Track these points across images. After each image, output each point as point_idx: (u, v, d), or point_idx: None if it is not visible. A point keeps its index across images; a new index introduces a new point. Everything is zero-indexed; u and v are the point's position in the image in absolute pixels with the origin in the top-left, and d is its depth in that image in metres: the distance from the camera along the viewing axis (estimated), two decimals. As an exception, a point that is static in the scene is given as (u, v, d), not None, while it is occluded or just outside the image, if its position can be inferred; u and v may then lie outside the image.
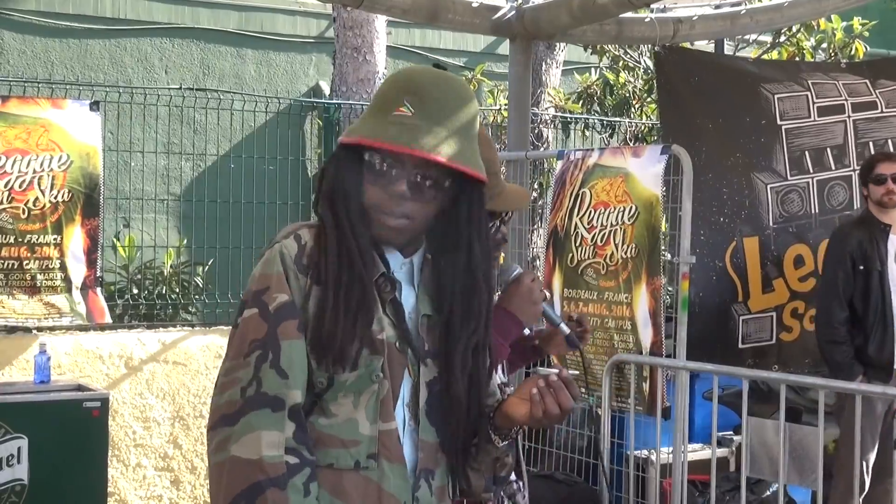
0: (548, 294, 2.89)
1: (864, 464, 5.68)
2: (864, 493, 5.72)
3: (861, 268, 5.90)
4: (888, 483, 5.64)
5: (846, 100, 6.78)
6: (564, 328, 2.89)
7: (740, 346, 6.41)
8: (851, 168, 6.76)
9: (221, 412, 2.14)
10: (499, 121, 9.88)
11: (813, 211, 6.64)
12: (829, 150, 6.70)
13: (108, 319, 6.52)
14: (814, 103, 6.72)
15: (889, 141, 6.87)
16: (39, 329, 6.41)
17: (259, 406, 2.12)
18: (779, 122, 6.64)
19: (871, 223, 6.00)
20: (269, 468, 2.09)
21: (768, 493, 5.92)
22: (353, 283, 2.19)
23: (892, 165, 5.98)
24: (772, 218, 6.60)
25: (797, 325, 6.51)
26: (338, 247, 2.20)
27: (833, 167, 6.74)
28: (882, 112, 6.89)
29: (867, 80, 6.89)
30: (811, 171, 6.69)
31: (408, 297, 2.30)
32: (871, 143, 6.86)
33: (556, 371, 2.26)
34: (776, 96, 6.63)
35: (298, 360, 2.16)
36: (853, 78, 6.88)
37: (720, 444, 6.01)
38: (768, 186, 6.59)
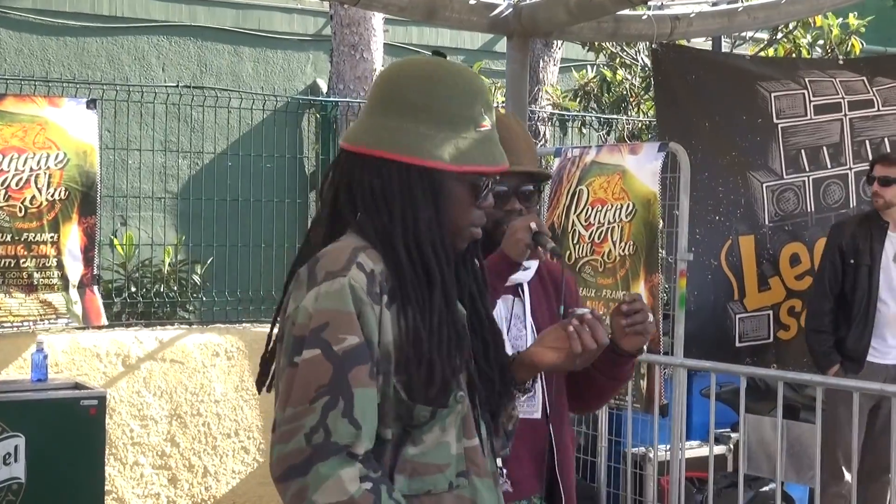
0: (534, 225, 2.80)
1: (841, 455, 5.71)
2: (845, 485, 5.70)
3: (851, 262, 5.95)
4: (883, 480, 5.62)
5: (843, 98, 6.78)
6: (550, 245, 2.81)
7: (737, 344, 6.42)
8: (847, 167, 6.76)
9: (289, 462, 2.01)
10: (496, 118, 9.85)
11: (809, 209, 6.64)
12: (825, 148, 6.70)
13: (104, 321, 6.51)
14: (810, 101, 6.72)
15: (885, 139, 6.87)
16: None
17: (328, 455, 1.99)
18: (775, 120, 6.64)
19: (873, 219, 6.06)
20: (362, 502, 2.00)
21: (765, 489, 5.92)
22: (459, 340, 2.16)
23: (885, 168, 6.01)
24: (767, 216, 6.60)
25: (794, 324, 6.51)
26: (440, 290, 2.14)
27: (829, 166, 6.74)
28: (879, 110, 6.89)
29: (864, 78, 6.89)
30: (807, 169, 6.70)
31: None
32: (867, 142, 6.86)
33: (588, 310, 2.41)
34: (773, 94, 6.64)
35: (370, 409, 2.05)
36: (850, 75, 6.88)
37: (718, 441, 6.02)
38: (764, 185, 6.59)
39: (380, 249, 2.13)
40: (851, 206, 6.71)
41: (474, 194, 2.20)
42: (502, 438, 2.42)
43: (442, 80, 2.17)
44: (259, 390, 2.29)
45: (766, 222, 6.60)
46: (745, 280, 6.49)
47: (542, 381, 2.95)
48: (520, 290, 3.00)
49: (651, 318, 2.76)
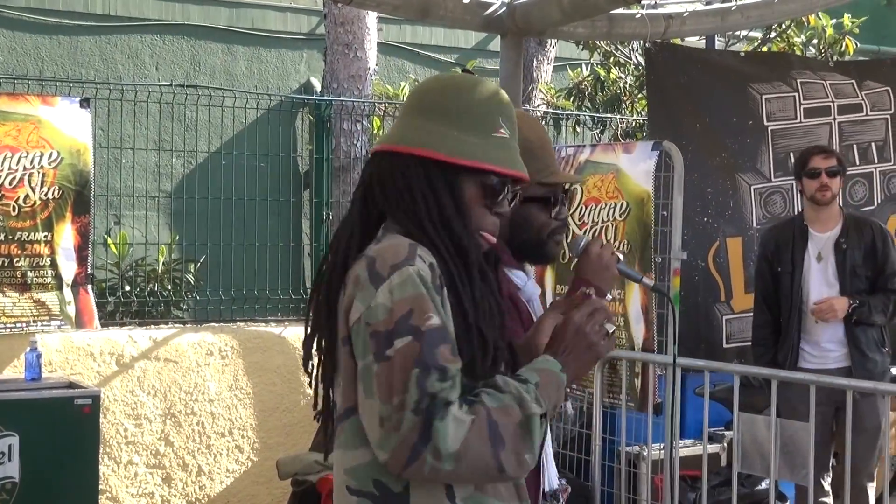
0: (620, 256, 2.88)
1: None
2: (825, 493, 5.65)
3: (778, 269, 5.76)
4: (863, 479, 5.53)
5: (832, 101, 6.81)
6: (647, 281, 2.89)
7: (724, 345, 6.43)
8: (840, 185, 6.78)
9: (410, 442, 2.08)
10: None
11: (796, 212, 6.65)
12: None
13: (96, 324, 6.50)
14: (801, 104, 6.74)
15: (872, 144, 6.90)
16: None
17: (438, 412, 2.08)
18: (765, 122, 6.66)
19: (795, 223, 5.86)
20: (480, 422, 2.11)
21: (759, 487, 5.93)
22: (499, 311, 2.29)
23: (828, 159, 5.73)
24: (755, 219, 6.63)
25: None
26: (481, 277, 2.26)
27: None
28: (867, 115, 6.92)
29: (853, 81, 6.92)
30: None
31: None
32: (854, 146, 6.89)
33: (591, 290, 2.62)
34: (764, 97, 6.65)
35: (459, 379, 2.14)
36: (841, 78, 6.91)
37: (712, 439, 6.02)
38: (752, 187, 6.62)
39: (417, 237, 2.23)
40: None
41: (486, 196, 2.32)
42: None
43: (465, 89, 2.35)
44: (306, 370, 2.38)
45: (754, 224, 6.62)
46: (732, 281, 6.51)
47: None
48: (544, 297, 3.04)
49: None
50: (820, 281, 5.67)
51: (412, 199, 2.27)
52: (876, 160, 6.97)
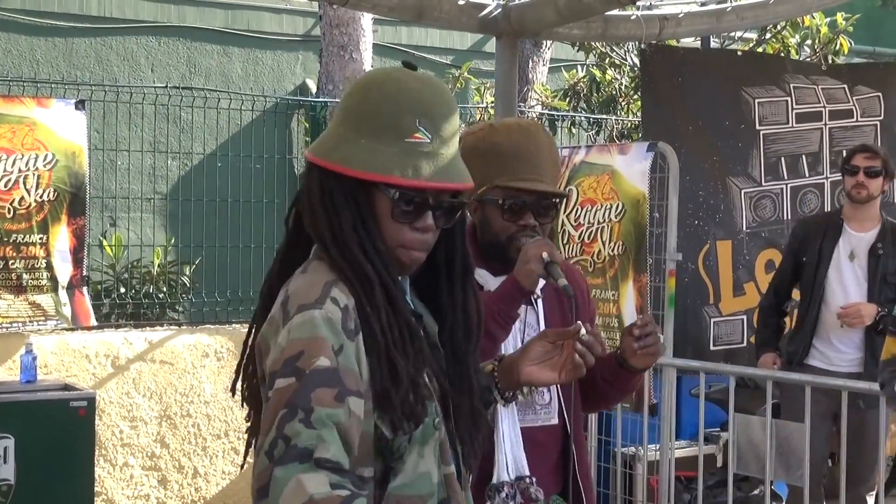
0: (546, 256, 2.83)
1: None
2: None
3: (804, 259, 5.68)
4: (861, 489, 5.50)
5: (824, 107, 6.82)
6: (562, 281, 2.84)
7: (712, 347, 6.44)
8: (824, 176, 6.79)
9: (257, 486, 1.88)
10: (485, 119, 9.89)
11: (785, 217, 6.67)
12: (804, 157, 6.72)
13: (93, 322, 6.50)
14: (793, 109, 6.75)
15: None
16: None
17: (287, 461, 1.86)
18: (757, 126, 6.67)
19: (831, 217, 5.81)
20: (323, 502, 1.84)
21: (756, 492, 5.94)
22: (412, 338, 2.07)
23: (869, 159, 5.66)
24: (745, 223, 6.64)
25: None
26: (387, 302, 2.05)
27: (807, 174, 6.76)
28: (857, 121, 6.94)
29: (845, 86, 6.93)
30: (786, 177, 6.72)
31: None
32: (844, 152, 6.90)
33: (586, 328, 2.43)
34: (756, 101, 6.67)
35: (331, 427, 1.91)
36: (833, 82, 6.92)
37: (707, 440, 6.03)
38: (742, 191, 6.63)
39: (325, 256, 2.09)
40: None
41: (393, 209, 2.08)
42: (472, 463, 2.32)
43: (374, 88, 2.11)
44: (232, 394, 2.25)
45: (744, 228, 6.63)
46: (721, 284, 6.51)
47: (557, 390, 2.99)
48: (533, 299, 3.02)
49: (661, 338, 2.89)
50: (850, 280, 5.58)
51: (316, 218, 2.10)
52: None
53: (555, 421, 2.99)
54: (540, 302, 3.05)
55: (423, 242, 2.13)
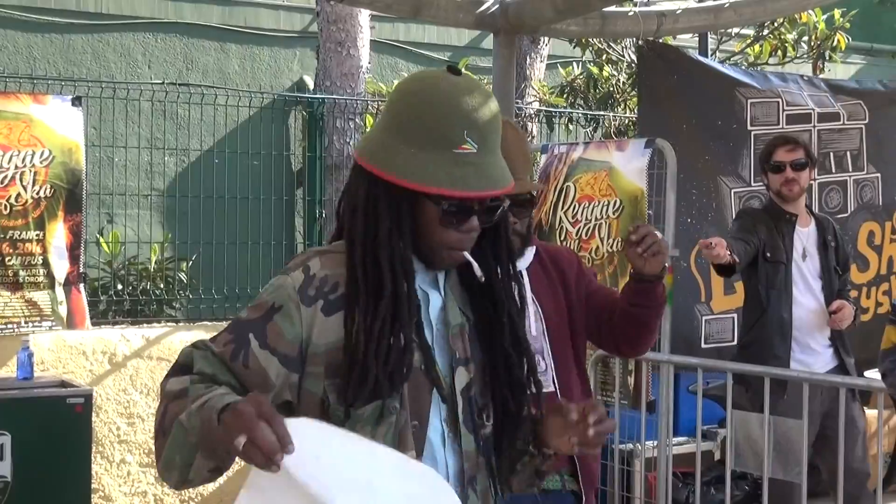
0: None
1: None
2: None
3: (767, 255, 5.34)
4: (868, 485, 5.46)
5: (813, 109, 6.83)
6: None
7: (703, 345, 6.44)
8: (811, 177, 6.81)
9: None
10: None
11: None
12: None
13: (88, 325, 6.49)
14: (783, 111, 6.75)
15: (847, 153, 6.93)
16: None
17: (169, 375, 2.15)
18: (749, 127, 6.67)
19: (777, 213, 5.45)
20: (170, 387, 2.11)
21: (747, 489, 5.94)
22: (397, 340, 2.15)
23: (793, 152, 5.39)
24: None
25: None
26: (388, 300, 2.16)
27: None
28: (844, 124, 6.96)
29: (827, 94, 6.96)
30: None
31: (434, 304, 2.29)
32: (831, 154, 6.93)
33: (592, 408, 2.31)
34: (749, 101, 6.67)
35: (200, 354, 2.14)
36: (813, 90, 6.95)
37: (705, 437, 6.03)
38: (732, 191, 6.63)
39: (347, 254, 2.21)
40: None
41: (442, 215, 2.18)
42: (530, 476, 2.40)
43: (424, 97, 2.18)
44: None
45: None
46: (712, 282, 6.52)
47: (550, 356, 3.17)
48: (519, 276, 3.08)
49: (661, 235, 2.98)
50: (809, 277, 5.41)
51: (355, 220, 2.21)
52: (850, 169, 7.02)
53: (550, 388, 3.14)
54: (526, 277, 3.19)
55: (469, 241, 2.24)
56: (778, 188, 5.40)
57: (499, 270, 2.33)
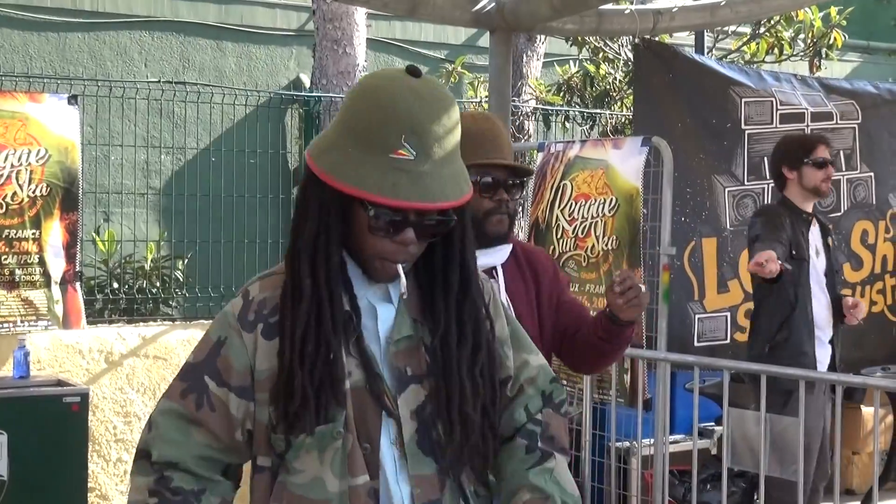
0: None
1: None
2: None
3: (794, 253, 5.34)
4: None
5: (806, 109, 6.83)
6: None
7: (696, 343, 6.45)
8: None
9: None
10: (479, 113, 9.85)
11: None
12: None
13: (84, 325, 6.48)
14: (777, 110, 6.76)
15: (840, 152, 6.94)
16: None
17: (135, 460, 2.19)
18: (743, 126, 6.67)
19: (796, 211, 5.47)
20: None
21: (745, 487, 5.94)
22: (319, 346, 2.07)
23: (829, 151, 5.54)
24: (728, 221, 6.64)
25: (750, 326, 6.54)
26: (308, 304, 2.08)
27: None
28: (837, 123, 6.96)
29: (820, 93, 6.96)
30: (767, 177, 6.72)
31: (384, 317, 2.18)
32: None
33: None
34: (743, 100, 6.67)
35: (168, 421, 2.14)
36: (807, 89, 6.95)
37: (702, 435, 6.03)
38: (726, 190, 6.63)
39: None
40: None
41: (370, 222, 2.07)
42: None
43: (370, 96, 2.07)
44: None
45: (728, 226, 6.63)
46: (706, 281, 6.52)
47: None
48: (494, 272, 3.21)
49: (643, 288, 3.08)
50: (821, 275, 5.46)
51: (294, 218, 2.15)
52: (843, 168, 7.01)
53: None
54: (501, 274, 3.25)
55: (404, 254, 2.11)
56: (818, 184, 5.45)
57: (444, 289, 2.18)
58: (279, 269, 2.18)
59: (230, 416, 2.11)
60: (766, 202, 6.59)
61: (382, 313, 2.17)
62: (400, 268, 2.13)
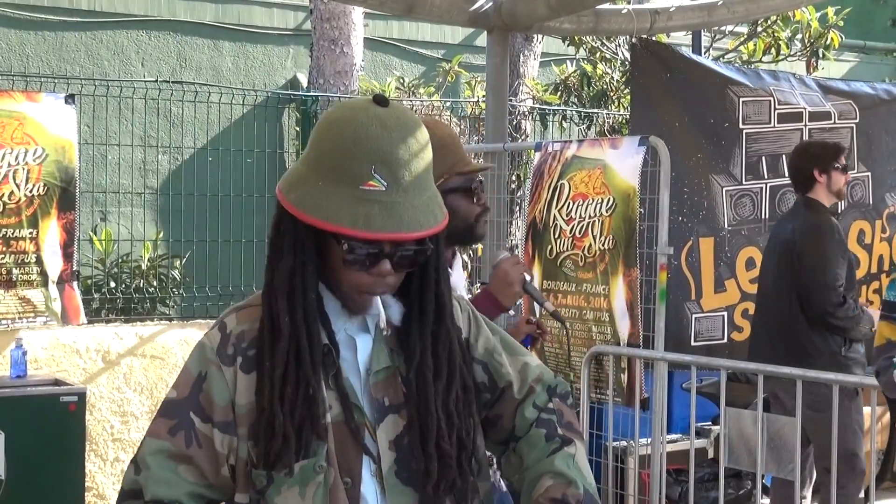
0: (528, 276, 3.24)
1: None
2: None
3: (849, 258, 5.59)
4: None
5: (804, 108, 6.83)
6: (548, 305, 3.20)
7: (692, 343, 6.45)
8: None
9: None
10: (476, 113, 9.88)
11: (763, 216, 6.67)
12: (784, 157, 6.72)
13: (83, 320, 6.48)
14: (775, 109, 6.76)
15: None
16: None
17: (122, 500, 2.11)
18: (741, 125, 6.67)
19: (829, 214, 5.67)
20: None
21: (744, 490, 5.95)
22: (299, 385, 2.04)
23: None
24: (726, 220, 6.65)
25: (747, 326, 6.52)
26: (287, 342, 2.05)
27: (786, 174, 6.78)
28: (835, 123, 6.97)
29: (818, 93, 6.96)
30: (765, 176, 6.72)
31: (363, 349, 2.15)
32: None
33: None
34: (741, 99, 6.67)
35: (158, 460, 2.08)
36: (804, 89, 6.95)
37: (699, 434, 6.03)
38: (724, 189, 6.64)
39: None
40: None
41: (346, 256, 2.04)
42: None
43: (336, 128, 2.04)
44: None
45: (725, 226, 6.64)
46: (703, 281, 6.53)
47: None
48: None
49: None
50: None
51: (269, 254, 2.12)
52: None
53: None
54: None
55: (381, 285, 2.09)
56: (841, 188, 5.68)
57: (420, 320, 2.15)
58: (254, 300, 2.16)
59: (216, 452, 2.09)
60: (763, 202, 6.60)
61: (361, 344, 2.15)
62: (378, 301, 2.13)
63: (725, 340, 6.55)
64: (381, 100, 2.06)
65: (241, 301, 2.22)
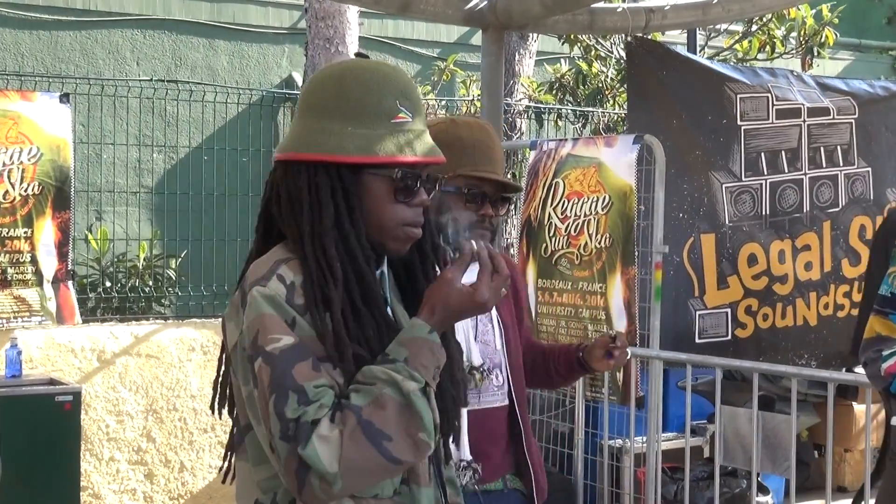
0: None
1: None
2: None
3: None
4: None
5: (802, 104, 6.83)
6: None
7: (697, 340, 6.44)
8: (803, 172, 6.79)
9: (291, 469, 1.98)
10: (472, 111, 9.88)
11: (763, 212, 6.67)
12: (783, 153, 6.71)
13: (78, 320, 6.47)
14: (773, 105, 6.75)
15: (838, 147, 6.93)
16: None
17: (303, 438, 1.97)
18: (739, 122, 6.67)
19: None
20: (349, 436, 1.99)
21: (740, 489, 5.95)
22: (357, 318, 2.09)
23: None
24: (727, 216, 6.64)
25: (751, 322, 6.52)
26: (362, 297, 2.09)
27: (786, 170, 6.75)
28: (833, 118, 6.96)
29: (816, 90, 6.96)
30: (765, 172, 6.71)
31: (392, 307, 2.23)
32: (821, 148, 6.91)
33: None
34: (738, 96, 6.66)
35: (327, 393, 2.02)
36: (802, 85, 6.95)
37: (694, 433, 6.04)
38: (723, 186, 6.63)
39: (298, 254, 2.11)
40: (805, 210, 6.75)
41: (394, 189, 2.13)
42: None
43: (349, 77, 2.14)
44: (213, 411, 2.28)
45: (726, 222, 6.63)
46: (706, 277, 6.52)
47: (507, 373, 3.17)
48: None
49: (629, 354, 3.28)
50: None
51: (297, 216, 2.11)
52: (841, 163, 7.01)
53: (505, 402, 3.17)
54: None
55: (420, 218, 2.18)
56: None
57: (424, 263, 2.26)
58: (282, 254, 2.13)
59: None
60: (763, 198, 6.60)
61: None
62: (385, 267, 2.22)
63: (730, 337, 6.55)
64: (362, 55, 2.24)
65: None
